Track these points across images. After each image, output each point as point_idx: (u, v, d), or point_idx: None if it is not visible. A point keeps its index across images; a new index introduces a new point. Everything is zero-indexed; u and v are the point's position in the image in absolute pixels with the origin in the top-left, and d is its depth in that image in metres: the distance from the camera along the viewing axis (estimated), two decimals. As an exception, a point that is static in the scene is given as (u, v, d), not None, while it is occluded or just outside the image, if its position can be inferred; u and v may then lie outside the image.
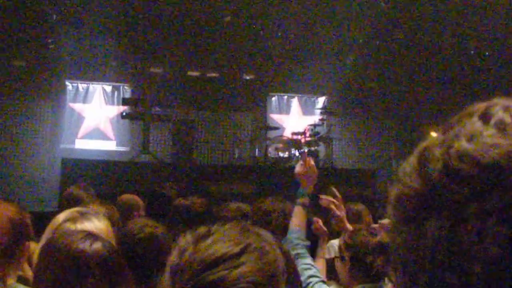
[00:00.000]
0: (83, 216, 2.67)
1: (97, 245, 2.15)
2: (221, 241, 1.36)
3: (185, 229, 1.46)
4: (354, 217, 5.20)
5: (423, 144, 0.76)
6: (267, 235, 1.45)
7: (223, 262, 1.32)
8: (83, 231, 2.34)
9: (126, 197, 5.82)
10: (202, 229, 1.42)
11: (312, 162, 3.55)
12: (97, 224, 2.63)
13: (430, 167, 0.72)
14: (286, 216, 3.87)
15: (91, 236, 2.22)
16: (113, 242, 2.49)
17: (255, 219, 4.05)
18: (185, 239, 1.40)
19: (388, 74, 15.89)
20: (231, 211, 4.40)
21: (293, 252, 3.03)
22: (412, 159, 0.77)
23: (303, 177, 3.50)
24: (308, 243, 3.28)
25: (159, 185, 5.45)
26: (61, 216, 2.69)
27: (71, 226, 2.56)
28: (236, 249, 1.34)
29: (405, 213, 0.74)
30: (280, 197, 4.41)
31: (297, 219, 3.36)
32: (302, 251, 3.16)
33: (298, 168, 3.52)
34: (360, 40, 15.04)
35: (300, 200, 3.46)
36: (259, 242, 1.39)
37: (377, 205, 11.91)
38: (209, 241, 1.37)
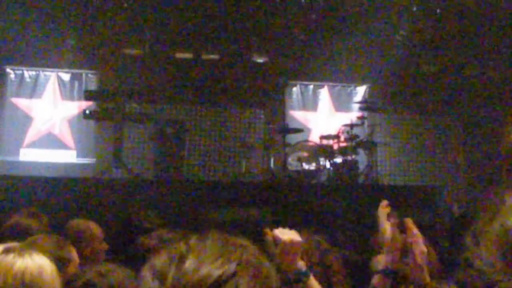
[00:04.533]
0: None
1: None
2: (208, 259, 1.55)
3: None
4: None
5: None
6: (252, 246, 1.68)
7: (220, 285, 1.50)
8: None
9: (77, 223, 5.76)
10: (179, 246, 1.60)
11: (416, 231, 3.49)
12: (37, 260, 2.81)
13: None
14: (325, 258, 3.78)
15: None
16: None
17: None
18: (160, 260, 1.58)
19: (453, 54, 15.78)
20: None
21: None
22: None
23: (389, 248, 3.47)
24: None
25: (135, 212, 5.34)
26: None
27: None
28: (231, 268, 1.53)
29: None
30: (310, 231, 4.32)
31: None
32: None
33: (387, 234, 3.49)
34: (414, 8, 14.94)
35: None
36: (249, 255, 1.61)
37: (440, 237, 11.76)
38: (193, 260, 1.55)
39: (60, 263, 4.01)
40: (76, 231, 5.55)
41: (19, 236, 4.77)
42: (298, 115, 16.30)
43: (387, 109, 15.64)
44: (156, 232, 4.72)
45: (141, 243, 4.63)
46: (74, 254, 4.26)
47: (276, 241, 3.54)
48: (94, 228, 5.71)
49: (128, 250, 4.82)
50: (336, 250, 5.25)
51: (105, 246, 5.64)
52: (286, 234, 3.54)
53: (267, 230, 3.65)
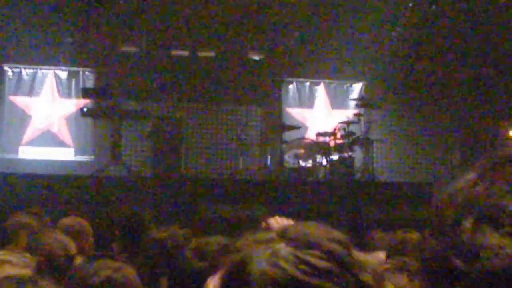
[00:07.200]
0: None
1: None
2: None
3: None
4: (407, 251, 5.08)
5: None
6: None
7: None
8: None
9: (70, 221, 5.76)
10: None
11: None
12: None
13: None
14: None
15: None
16: None
17: None
18: None
19: (450, 52, 15.77)
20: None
21: None
22: None
23: None
24: None
25: (134, 209, 5.38)
26: None
27: None
28: None
29: None
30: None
31: None
32: None
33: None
34: (410, 4, 14.92)
35: None
36: None
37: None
38: None
39: (68, 259, 4.06)
40: (66, 229, 5.52)
41: (21, 235, 4.82)
42: (294, 112, 16.24)
43: (383, 106, 15.61)
44: (152, 232, 4.71)
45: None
46: (76, 251, 4.29)
47: (269, 230, 3.51)
48: (84, 225, 5.69)
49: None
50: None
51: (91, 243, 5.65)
52: (280, 223, 3.48)
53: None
